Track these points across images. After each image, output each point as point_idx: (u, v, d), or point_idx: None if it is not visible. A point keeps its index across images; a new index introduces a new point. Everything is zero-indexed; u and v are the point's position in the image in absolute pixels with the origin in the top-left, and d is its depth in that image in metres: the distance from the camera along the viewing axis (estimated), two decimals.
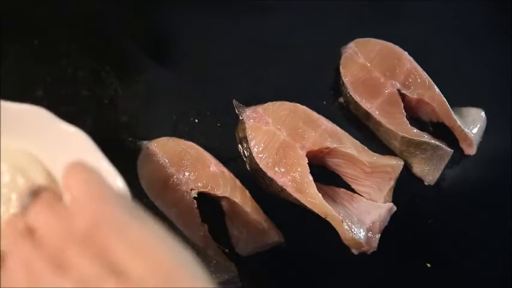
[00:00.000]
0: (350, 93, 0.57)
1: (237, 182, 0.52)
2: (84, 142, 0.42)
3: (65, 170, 0.35)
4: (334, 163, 0.54)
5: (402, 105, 0.56)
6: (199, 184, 0.51)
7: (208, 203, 0.52)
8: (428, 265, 0.53)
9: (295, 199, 0.51)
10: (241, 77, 0.59)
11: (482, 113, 0.58)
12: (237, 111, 0.55)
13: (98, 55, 0.59)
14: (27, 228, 0.33)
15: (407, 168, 0.56)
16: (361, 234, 0.51)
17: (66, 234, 0.31)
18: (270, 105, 0.55)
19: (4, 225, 0.34)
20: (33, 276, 0.31)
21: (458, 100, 0.57)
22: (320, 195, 0.50)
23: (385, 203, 0.53)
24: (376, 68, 0.57)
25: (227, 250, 0.51)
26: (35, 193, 0.35)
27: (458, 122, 0.56)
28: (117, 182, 0.40)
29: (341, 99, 0.59)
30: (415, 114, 0.58)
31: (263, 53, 0.61)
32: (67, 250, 0.31)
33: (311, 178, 0.51)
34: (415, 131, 0.55)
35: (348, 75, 0.57)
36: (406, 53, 0.57)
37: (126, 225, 0.31)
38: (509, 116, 0.60)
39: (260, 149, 0.52)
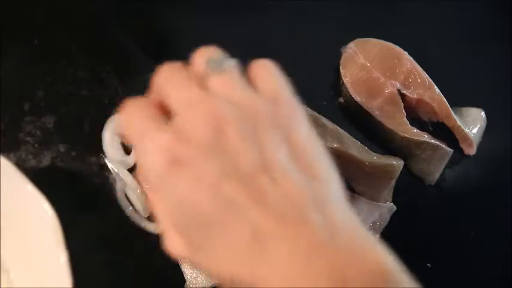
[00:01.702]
0: (350, 93, 0.57)
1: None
2: (8, 169, 0.43)
3: (257, 64, 0.33)
4: (334, 163, 0.54)
5: (402, 105, 0.56)
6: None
7: None
8: (429, 265, 0.53)
9: None
10: None
11: (482, 113, 0.58)
12: None
13: (98, 55, 0.59)
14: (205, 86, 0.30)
15: (407, 168, 0.56)
16: None
17: (262, 110, 0.29)
18: None
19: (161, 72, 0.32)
20: (221, 137, 0.27)
21: (458, 100, 0.57)
22: None
23: (385, 203, 0.53)
24: (376, 68, 0.57)
25: None
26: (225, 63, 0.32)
27: (458, 122, 0.56)
28: (44, 206, 0.41)
29: (341, 99, 0.59)
30: (415, 114, 0.58)
31: (263, 53, 0.61)
32: (261, 126, 0.28)
33: None
34: (415, 131, 0.55)
35: (348, 75, 0.57)
36: (406, 53, 0.57)
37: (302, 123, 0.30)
38: (509, 116, 0.60)
39: None
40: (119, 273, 0.51)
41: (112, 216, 0.52)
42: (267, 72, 0.32)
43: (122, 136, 0.34)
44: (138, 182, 0.51)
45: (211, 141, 0.27)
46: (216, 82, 0.30)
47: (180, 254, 0.30)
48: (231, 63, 0.32)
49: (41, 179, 0.52)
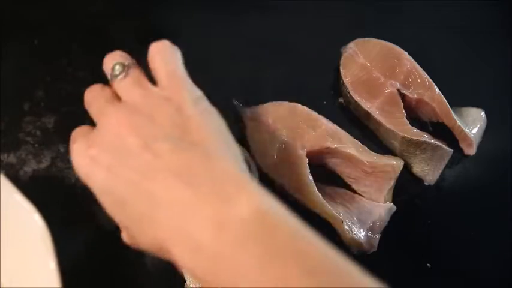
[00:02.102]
0: (350, 93, 0.57)
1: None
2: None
3: (151, 49, 0.39)
4: (334, 163, 0.54)
5: (402, 105, 0.56)
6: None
7: None
8: (429, 265, 0.53)
9: (295, 199, 0.51)
10: (241, 77, 0.59)
11: (482, 113, 0.58)
12: (237, 111, 0.54)
13: (98, 55, 0.59)
14: (115, 96, 0.39)
15: (407, 168, 0.56)
16: (361, 234, 0.51)
17: (150, 107, 0.36)
18: (270, 106, 0.55)
19: (87, 92, 0.41)
20: (135, 126, 0.35)
21: (458, 100, 0.57)
22: (320, 195, 0.50)
23: (385, 203, 0.53)
24: (376, 68, 0.57)
25: None
26: (125, 68, 0.39)
27: (458, 122, 0.56)
28: (34, 217, 0.42)
29: (341, 99, 0.59)
30: (415, 114, 0.58)
31: (263, 53, 0.61)
32: (156, 114, 0.36)
33: (311, 178, 0.51)
34: (415, 131, 0.55)
35: (348, 75, 0.57)
36: (406, 53, 0.57)
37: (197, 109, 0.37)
38: (509, 116, 0.60)
39: (260, 149, 0.52)
40: (116, 275, 0.51)
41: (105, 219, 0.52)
42: (159, 58, 0.39)
43: None
44: None
45: (113, 140, 0.35)
46: (119, 88, 0.39)
47: (128, 242, 0.39)
48: (131, 66, 0.39)
49: (30, 186, 0.53)
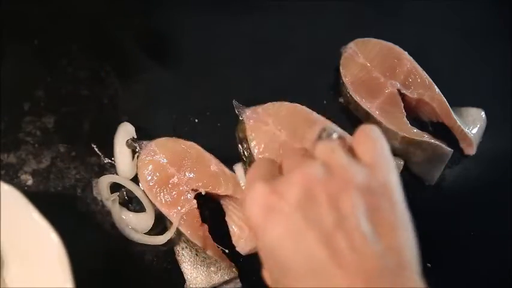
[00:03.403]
0: (350, 93, 0.57)
1: (238, 180, 0.52)
2: (17, 198, 0.43)
3: (360, 131, 0.36)
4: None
5: (402, 105, 0.56)
6: (199, 184, 0.51)
7: (207, 203, 0.52)
8: (429, 265, 0.53)
9: None
10: (241, 77, 0.59)
11: (482, 113, 0.58)
12: (237, 112, 0.54)
13: (98, 55, 0.59)
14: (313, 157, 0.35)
15: (407, 168, 0.56)
16: None
17: (354, 180, 0.33)
18: (270, 106, 0.55)
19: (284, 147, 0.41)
20: (310, 196, 0.32)
21: (458, 100, 0.57)
22: None
23: None
24: (376, 68, 0.57)
25: (227, 250, 0.51)
26: (335, 134, 0.38)
27: (458, 122, 0.56)
28: (50, 235, 0.42)
29: (341, 99, 0.59)
30: (415, 114, 0.58)
31: (263, 53, 0.61)
32: (348, 193, 0.32)
33: None
34: (415, 131, 0.55)
35: (348, 75, 0.57)
36: (406, 53, 0.57)
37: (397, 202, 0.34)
38: (509, 116, 0.60)
39: (260, 149, 0.52)
40: (117, 274, 0.51)
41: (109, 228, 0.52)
42: (368, 140, 0.35)
43: None
44: (147, 194, 0.51)
45: (300, 198, 0.32)
46: (320, 148, 0.36)
47: (267, 282, 0.36)
48: (337, 134, 0.37)
49: (30, 186, 0.53)
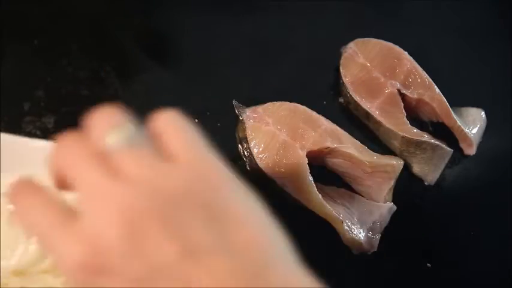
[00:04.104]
0: (350, 93, 0.57)
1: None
2: None
3: (159, 120, 0.30)
4: (334, 163, 0.54)
5: (402, 105, 0.56)
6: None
7: None
8: (429, 265, 0.53)
9: (295, 199, 0.51)
10: (241, 77, 0.59)
11: (482, 113, 0.58)
12: (237, 112, 0.54)
13: (98, 55, 0.59)
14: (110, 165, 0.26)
15: (407, 168, 0.56)
16: (361, 234, 0.51)
17: (177, 190, 0.26)
18: (270, 106, 0.55)
19: (59, 147, 0.28)
20: (136, 228, 0.25)
21: (458, 100, 0.57)
22: (320, 195, 0.50)
23: (385, 203, 0.53)
24: (376, 68, 0.57)
25: None
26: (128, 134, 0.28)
27: (458, 122, 0.56)
28: None
29: (341, 99, 0.59)
30: (415, 114, 0.58)
31: (263, 53, 0.61)
32: (179, 209, 0.25)
33: (311, 178, 0.51)
34: (415, 130, 0.55)
35: (348, 75, 0.57)
36: (406, 53, 0.57)
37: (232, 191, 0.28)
38: (509, 116, 0.60)
39: (260, 149, 0.52)
40: None
41: None
42: (176, 133, 0.29)
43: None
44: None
45: (125, 242, 0.24)
46: (122, 163, 0.26)
47: None
48: (136, 135, 0.28)
49: None
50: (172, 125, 0.29)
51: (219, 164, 0.28)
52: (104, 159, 0.26)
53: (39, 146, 0.41)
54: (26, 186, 0.27)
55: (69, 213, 0.26)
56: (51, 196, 0.27)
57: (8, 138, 0.42)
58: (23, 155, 0.39)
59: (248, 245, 0.26)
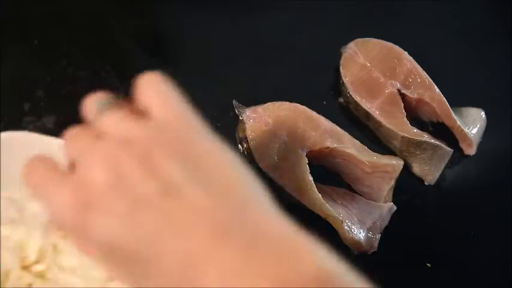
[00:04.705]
0: (350, 93, 0.57)
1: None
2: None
3: (141, 82, 0.33)
4: (334, 163, 0.54)
5: (402, 105, 0.56)
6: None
7: None
8: (429, 265, 0.53)
9: (295, 199, 0.51)
10: (241, 77, 0.59)
11: (482, 113, 0.58)
12: (237, 112, 0.54)
13: (98, 55, 0.59)
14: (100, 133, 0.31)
15: (407, 168, 0.56)
16: (361, 234, 0.51)
17: (150, 138, 0.29)
18: (270, 106, 0.55)
19: (68, 137, 0.33)
20: (118, 171, 0.28)
21: (458, 100, 0.57)
22: (320, 195, 0.50)
23: (385, 203, 0.53)
24: (376, 68, 0.57)
25: None
26: (111, 103, 0.33)
27: (458, 122, 0.56)
28: None
29: (341, 99, 0.59)
30: (415, 114, 0.58)
31: (263, 53, 0.61)
32: (153, 153, 0.29)
33: (311, 178, 0.51)
34: (415, 130, 0.55)
35: (348, 75, 0.57)
36: (406, 53, 0.57)
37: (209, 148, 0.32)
38: (509, 116, 0.60)
39: (260, 149, 0.52)
40: None
41: None
42: (153, 92, 0.32)
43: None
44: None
45: (111, 181, 0.28)
46: (105, 124, 0.31)
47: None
48: (114, 101, 0.33)
49: None
50: (152, 86, 0.32)
51: (194, 119, 0.32)
52: (93, 129, 0.32)
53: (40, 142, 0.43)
54: (36, 159, 0.33)
55: (66, 173, 0.31)
56: (53, 162, 0.32)
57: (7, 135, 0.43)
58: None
59: (225, 185, 0.29)
